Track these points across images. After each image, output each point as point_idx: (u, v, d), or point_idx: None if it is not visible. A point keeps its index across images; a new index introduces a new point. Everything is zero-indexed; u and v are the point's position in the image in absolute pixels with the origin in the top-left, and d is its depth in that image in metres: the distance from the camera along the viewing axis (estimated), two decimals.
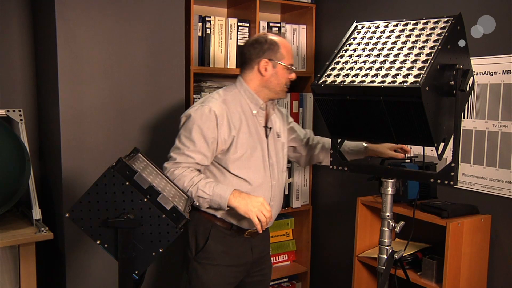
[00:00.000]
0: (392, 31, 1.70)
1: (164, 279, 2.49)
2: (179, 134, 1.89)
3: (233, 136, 1.89)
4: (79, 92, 2.20)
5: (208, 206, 1.85)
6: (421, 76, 1.46)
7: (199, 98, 2.61)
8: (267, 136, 2.00)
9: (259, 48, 1.94)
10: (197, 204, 1.83)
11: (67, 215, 1.36)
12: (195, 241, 1.95)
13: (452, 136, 1.60)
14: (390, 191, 1.72)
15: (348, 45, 1.77)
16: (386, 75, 1.55)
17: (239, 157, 1.90)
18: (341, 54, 1.75)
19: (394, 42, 1.65)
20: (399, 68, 1.54)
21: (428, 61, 1.49)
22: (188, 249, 1.98)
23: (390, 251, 1.73)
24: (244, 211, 1.78)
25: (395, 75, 1.52)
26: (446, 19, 1.61)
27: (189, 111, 1.90)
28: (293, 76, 2.00)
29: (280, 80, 1.96)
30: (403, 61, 1.56)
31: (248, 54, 1.96)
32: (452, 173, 1.55)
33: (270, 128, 2.02)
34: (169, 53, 2.42)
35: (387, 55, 1.62)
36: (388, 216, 1.73)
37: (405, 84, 1.47)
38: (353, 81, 1.60)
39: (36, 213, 2.15)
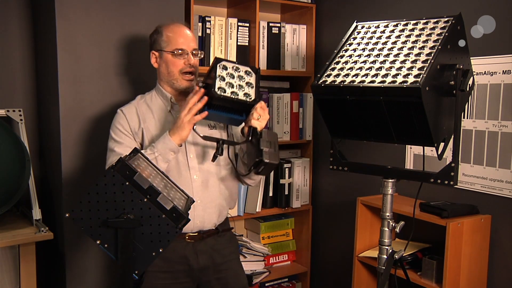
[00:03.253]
0: (392, 31, 1.70)
1: None
2: None
3: (142, 129, 1.87)
4: (79, 92, 2.20)
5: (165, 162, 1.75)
6: (421, 76, 1.46)
7: None
8: None
9: (149, 42, 1.95)
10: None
11: (67, 215, 1.36)
12: None
13: (452, 136, 1.60)
14: (390, 191, 1.72)
15: (348, 45, 1.77)
16: (386, 75, 1.55)
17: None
18: (341, 54, 1.75)
19: (394, 42, 1.65)
20: (399, 68, 1.54)
21: (428, 61, 1.49)
22: None
23: (390, 251, 1.73)
24: (179, 126, 1.72)
25: (395, 75, 1.52)
26: (446, 19, 1.61)
27: None
28: (187, 61, 1.86)
29: (170, 68, 1.88)
30: (403, 61, 1.56)
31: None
32: (452, 173, 1.55)
33: None
34: None
35: (387, 55, 1.62)
36: (388, 216, 1.73)
37: (405, 84, 1.47)
38: (353, 81, 1.60)
39: (36, 213, 2.15)
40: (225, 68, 1.73)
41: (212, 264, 1.93)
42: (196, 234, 1.89)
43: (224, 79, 1.70)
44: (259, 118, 1.72)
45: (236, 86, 1.70)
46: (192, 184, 1.87)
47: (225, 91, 1.68)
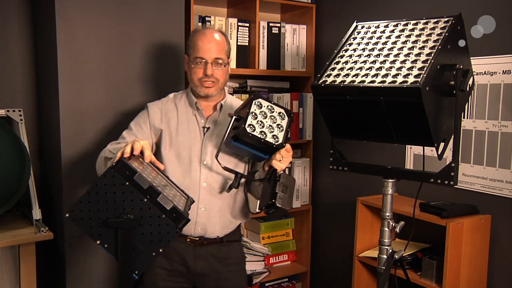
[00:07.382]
0: (392, 31, 1.70)
1: None
2: None
3: (161, 128, 1.89)
4: (79, 92, 2.20)
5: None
6: (421, 76, 1.46)
7: None
8: (204, 135, 1.88)
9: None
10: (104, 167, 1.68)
11: (67, 215, 1.36)
12: None
13: (452, 136, 1.60)
14: (390, 191, 1.72)
15: (348, 45, 1.77)
16: (386, 75, 1.55)
17: (169, 153, 1.87)
18: (341, 54, 1.75)
19: (394, 42, 1.65)
20: (399, 68, 1.54)
21: (428, 61, 1.49)
22: None
23: (390, 251, 1.73)
24: None
25: (395, 75, 1.52)
26: (446, 19, 1.61)
27: None
28: (204, 71, 1.82)
29: (191, 75, 1.87)
30: (403, 61, 1.56)
31: None
32: (452, 173, 1.55)
33: (208, 128, 1.89)
34: (169, 53, 2.41)
35: (387, 55, 1.62)
36: (388, 216, 1.73)
37: (405, 84, 1.47)
38: (353, 81, 1.60)
39: (36, 213, 2.15)
40: (260, 106, 1.72)
41: (212, 271, 1.91)
42: (197, 239, 1.88)
43: (256, 117, 1.70)
44: (281, 160, 1.72)
45: (267, 126, 1.70)
46: (200, 191, 1.85)
47: (254, 129, 1.68)
